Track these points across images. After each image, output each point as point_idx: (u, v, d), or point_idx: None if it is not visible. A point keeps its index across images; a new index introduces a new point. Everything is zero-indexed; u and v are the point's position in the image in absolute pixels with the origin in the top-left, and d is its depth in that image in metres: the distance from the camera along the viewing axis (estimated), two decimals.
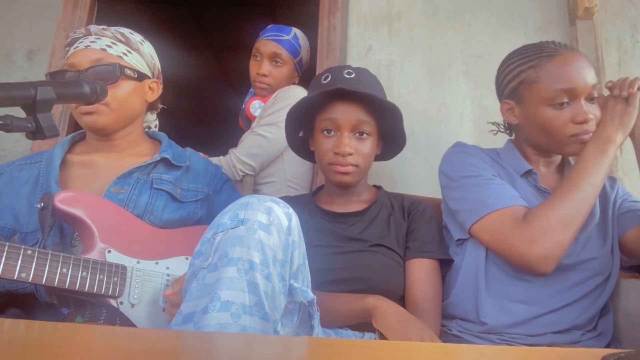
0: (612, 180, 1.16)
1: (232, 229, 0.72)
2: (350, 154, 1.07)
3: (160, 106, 1.24)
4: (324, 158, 1.12)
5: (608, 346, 1.02)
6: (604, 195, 1.11)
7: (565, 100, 1.01)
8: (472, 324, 1.04)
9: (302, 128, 1.23)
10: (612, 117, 1.00)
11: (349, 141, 1.08)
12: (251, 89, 1.77)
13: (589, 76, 1.01)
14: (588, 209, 0.95)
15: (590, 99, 1.02)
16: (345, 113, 1.08)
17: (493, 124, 1.25)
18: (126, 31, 1.12)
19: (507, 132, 1.23)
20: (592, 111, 1.01)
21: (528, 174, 1.10)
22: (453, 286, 1.09)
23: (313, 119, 1.16)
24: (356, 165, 1.09)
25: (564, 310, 1.00)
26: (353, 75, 1.10)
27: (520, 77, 1.07)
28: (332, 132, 1.10)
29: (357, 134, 1.09)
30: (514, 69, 1.09)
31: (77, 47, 1.06)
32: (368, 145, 1.10)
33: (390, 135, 1.19)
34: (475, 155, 1.11)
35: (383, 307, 0.90)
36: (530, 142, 1.12)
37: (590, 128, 1.01)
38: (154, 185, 1.07)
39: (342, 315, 0.95)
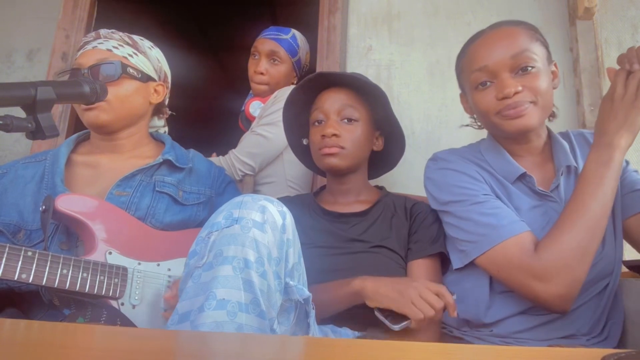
0: None
1: (226, 227, 0.72)
2: (335, 135, 1.09)
3: (169, 112, 1.26)
4: (314, 147, 1.15)
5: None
6: None
7: (486, 78, 0.96)
8: (480, 330, 1.02)
9: (304, 136, 1.25)
10: (615, 114, 0.86)
11: (336, 124, 1.11)
12: (251, 92, 1.77)
13: (508, 47, 0.94)
14: (601, 232, 0.86)
15: (516, 70, 0.94)
16: (330, 99, 1.13)
17: (468, 124, 1.19)
18: (136, 37, 1.15)
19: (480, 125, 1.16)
20: (523, 82, 0.92)
21: (522, 177, 1.01)
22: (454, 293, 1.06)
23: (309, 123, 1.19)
24: (342, 147, 1.10)
25: (571, 316, 0.95)
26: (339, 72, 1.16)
27: (458, 69, 1.07)
28: (322, 122, 1.14)
29: (346, 120, 1.12)
30: (456, 63, 1.07)
31: (85, 48, 1.09)
32: (356, 131, 1.12)
33: (388, 128, 1.20)
34: (459, 171, 1.03)
35: (370, 285, 0.91)
36: (490, 132, 1.07)
37: (518, 101, 0.92)
38: (156, 188, 1.07)
39: (333, 303, 0.95)
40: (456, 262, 1.02)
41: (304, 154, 1.28)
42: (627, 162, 1.04)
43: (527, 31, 0.97)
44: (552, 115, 1.05)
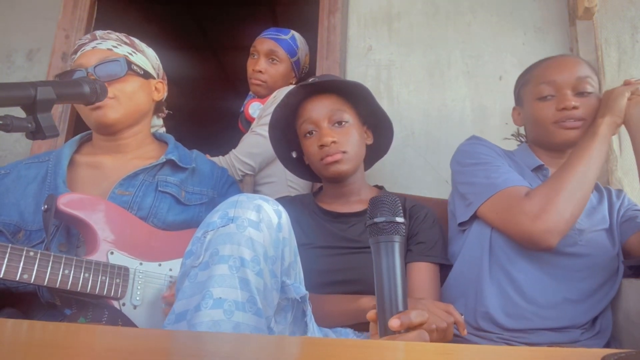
0: (619, 192, 1.20)
1: (222, 227, 0.72)
2: (335, 142, 1.09)
3: (167, 111, 1.26)
4: (314, 158, 1.13)
5: (608, 345, 1.03)
6: (610, 204, 1.15)
7: (550, 93, 1.10)
8: (470, 314, 1.04)
9: (293, 149, 1.25)
10: (602, 103, 1.08)
11: (330, 131, 1.10)
12: (250, 93, 1.77)
13: (574, 70, 1.09)
14: (588, 186, 0.99)
15: (577, 92, 1.08)
16: (316, 108, 1.12)
17: (513, 135, 1.31)
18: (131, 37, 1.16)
19: (520, 139, 1.29)
20: (581, 102, 1.07)
21: (539, 169, 1.14)
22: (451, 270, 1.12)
23: (297, 136, 1.18)
24: (344, 152, 1.10)
25: (564, 307, 1.00)
26: (316, 79, 1.14)
27: (522, 81, 1.20)
28: (314, 132, 1.12)
29: (337, 125, 1.11)
30: (519, 79, 1.22)
31: (84, 49, 1.09)
32: (351, 132, 1.12)
33: (374, 120, 1.20)
34: (487, 147, 1.16)
35: None
36: (534, 140, 1.19)
37: (575, 115, 1.06)
38: (159, 188, 1.07)
39: (338, 317, 0.95)
40: (462, 215, 1.11)
41: (295, 165, 1.28)
42: (629, 199, 1.18)
43: (590, 65, 1.15)
44: None
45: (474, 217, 1.08)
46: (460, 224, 1.12)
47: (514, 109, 1.23)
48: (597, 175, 1.01)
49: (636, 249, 1.08)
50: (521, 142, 1.27)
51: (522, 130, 1.29)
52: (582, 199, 0.98)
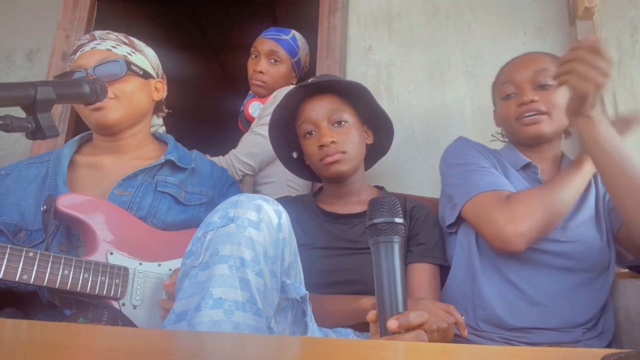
0: None
1: (222, 227, 0.72)
2: (334, 142, 1.09)
3: (166, 110, 1.26)
4: (313, 159, 1.13)
5: (609, 346, 1.03)
6: (597, 191, 1.14)
7: (513, 91, 1.11)
8: (470, 316, 1.04)
9: (293, 149, 1.25)
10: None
11: (329, 131, 1.10)
12: (250, 92, 1.77)
13: (532, 65, 1.10)
14: (566, 207, 1.02)
15: (537, 85, 1.08)
16: (316, 108, 1.12)
17: (492, 135, 1.31)
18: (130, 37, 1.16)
19: (505, 140, 1.28)
20: (541, 97, 1.06)
21: (527, 167, 1.13)
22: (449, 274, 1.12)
23: (297, 136, 1.18)
24: (344, 152, 1.10)
25: (560, 302, 1.00)
26: (315, 79, 1.15)
27: (493, 86, 1.23)
28: (313, 132, 1.12)
29: (336, 124, 1.11)
30: (493, 82, 1.23)
31: (83, 50, 1.08)
32: (350, 132, 1.12)
33: (374, 120, 1.20)
34: (474, 148, 1.17)
35: None
36: (510, 140, 1.20)
37: (535, 108, 1.06)
38: (158, 188, 1.07)
39: (338, 317, 0.95)
40: (449, 217, 1.11)
41: (295, 165, 1.28)
42: None
43: (553, 57, 1.13)
44: (567, 133, 1.19)
45: (461, 219, 1.09)
46: (449, 226, 1.12)
47: (494, 112, 1.25)
48: (577, 198, 1.05)
49: (626, 242, 1.07)
50: (505, 142, 1.27)
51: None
52: (561, 212, 1.01)
